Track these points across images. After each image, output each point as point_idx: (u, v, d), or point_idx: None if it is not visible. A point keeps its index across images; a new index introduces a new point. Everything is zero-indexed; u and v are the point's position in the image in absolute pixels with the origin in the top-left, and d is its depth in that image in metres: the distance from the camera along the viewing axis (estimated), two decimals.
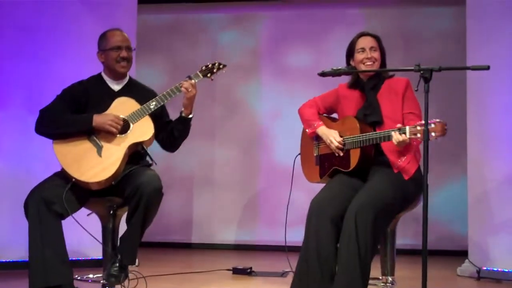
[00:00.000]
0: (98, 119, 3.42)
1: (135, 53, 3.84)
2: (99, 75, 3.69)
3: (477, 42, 4.94)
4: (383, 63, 3.52)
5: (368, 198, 3.14)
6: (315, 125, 3.55)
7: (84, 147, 3.42)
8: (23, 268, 4.76)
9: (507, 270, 4.62)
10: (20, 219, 3.29)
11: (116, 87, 3.65)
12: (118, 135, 3.44)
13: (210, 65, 3.66)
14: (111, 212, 3.54)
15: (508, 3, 4.77)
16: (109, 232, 3.54)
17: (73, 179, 3.34)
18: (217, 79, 3.77)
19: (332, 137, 3.43)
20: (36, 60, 5.06)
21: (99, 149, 3.41)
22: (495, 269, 4.68)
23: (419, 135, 3.04)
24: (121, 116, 3.48)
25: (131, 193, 3.32)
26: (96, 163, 3.38)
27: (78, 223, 3.38)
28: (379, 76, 3.49)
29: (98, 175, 3.36)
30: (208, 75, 3.65)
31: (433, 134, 2.95)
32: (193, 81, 3.57)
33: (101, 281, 3.53)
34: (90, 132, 3.44)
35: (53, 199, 3.29)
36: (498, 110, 4.79)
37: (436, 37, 6.45)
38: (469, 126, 5.02)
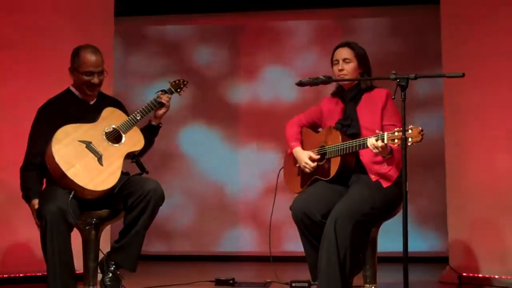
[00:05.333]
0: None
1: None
2: (69, 90, 3.66)
3: (453, 48, 4.99)
4: (366, 73, 3.51)
5: (347, 209, 3.17)
6: (292, 145, 3.66)
7: (86, 155, 3.40)
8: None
9: (488, 276, 4.65)
10: None
11: (90, 100, 3.67)
12: (114, 145, 3.49)
13: (177, 81, 3.83)
14: (92, 225, 3.52)
15: (483, 9, 4.82)
16: (91, 245, 3.51)
17: (74, 189, 3.30)
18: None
19: (304, 162, 3.51)
20: (13, 77, 4.96)
21: (99, 158, 3.42)
22: (476, 275, 4.71)
23: (396, 141, 3.05)
24: (113, 126, 3.54)
25: (138, 200, 3.40)
26: (99, 171, 3.39)
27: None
28: (358, 86, 3.49)
29: (104, 183, 3.37)
30: (178, 90, 3.82)
31: (410, 139, 2.96)
32: (170, 95, 3.74)
33: None
34: (88, 141, 3.43)
35: (66, 209, 3.23)
36: (475, 117, 4.83)
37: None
38: (447, 132, 5.07)
